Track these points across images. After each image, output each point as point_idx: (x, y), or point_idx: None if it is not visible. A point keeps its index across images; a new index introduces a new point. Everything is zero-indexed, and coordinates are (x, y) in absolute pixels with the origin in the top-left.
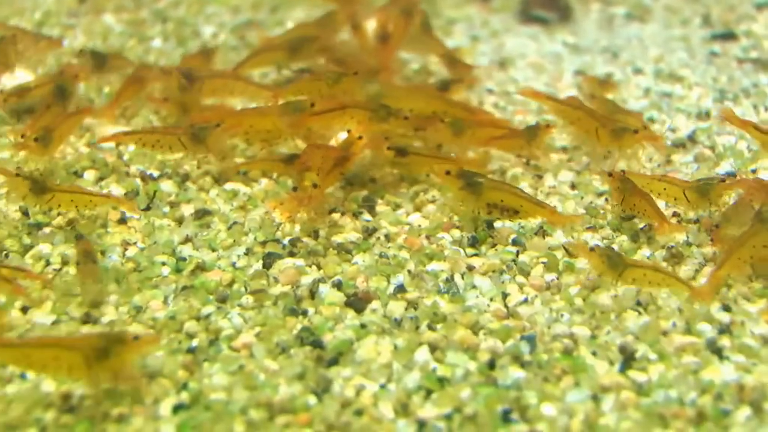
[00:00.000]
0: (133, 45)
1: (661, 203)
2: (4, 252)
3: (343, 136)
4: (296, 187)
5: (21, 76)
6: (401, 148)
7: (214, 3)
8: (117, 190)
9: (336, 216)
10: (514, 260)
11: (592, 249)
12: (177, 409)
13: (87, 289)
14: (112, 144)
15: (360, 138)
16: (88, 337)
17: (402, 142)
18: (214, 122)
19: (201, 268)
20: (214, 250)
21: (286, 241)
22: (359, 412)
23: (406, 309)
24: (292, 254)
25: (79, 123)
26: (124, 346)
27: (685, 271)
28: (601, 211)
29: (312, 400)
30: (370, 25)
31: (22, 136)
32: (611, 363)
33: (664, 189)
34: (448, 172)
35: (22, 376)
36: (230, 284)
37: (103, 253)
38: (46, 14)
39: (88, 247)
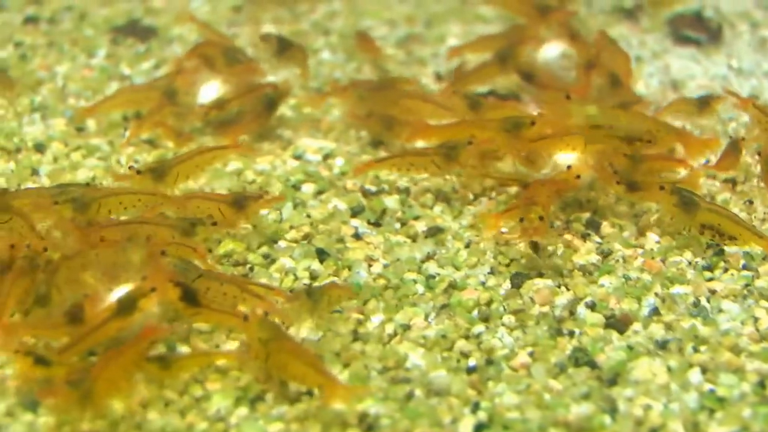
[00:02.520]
0: None
1: None
2: (249, 265)
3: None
4: (522, 218)
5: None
6: (633, 183)
7: (369, 16)
8: (341, 204)
9: (568, 237)
10: (748, 285)
11: None
12: (478, 428)
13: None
14: (318, 157)
15: (578, 177)
16: None
17: (631, 174)
18: (465, 140)
19: (452, 286)
20: (458, 269)
21: (526, 260)
22: (654, 431)
23: (666, 331)
24: (540, 275)
25: (216, 162)
26: None
27: None
28: None
29: (607, 419)
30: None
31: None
32: None
33: None
34: (662, 188)
35: (308, 393)
36: (488, 303)
37: (349, 268)
38: (202, 22)
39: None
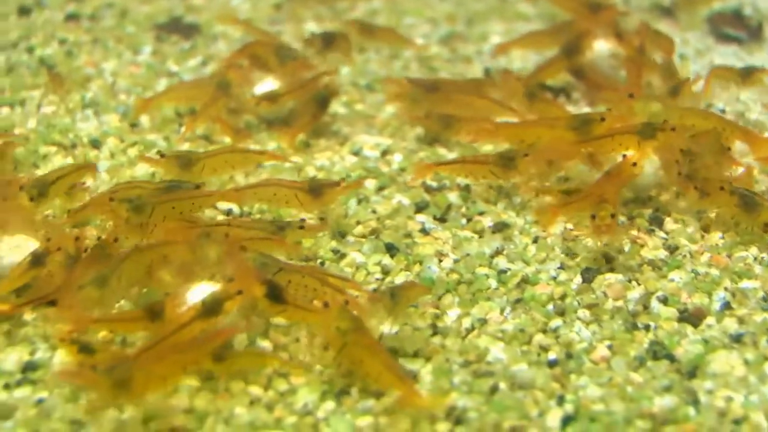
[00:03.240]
0: None
1: None
2: (320, 260)
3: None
4: (594, 215)
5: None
6: (703, 190)
7: (411, 14)
8: (405, 200)
9: (634, 232)
10: None
11: None
12: (566, 421)
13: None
14: (376, 153)
15: (634, 164)
16: None
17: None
18: (522, 151)
19: (525, 281)
20: (528, 264)
21: (597, 256)
22: (737, 422)
23: (739, 325)
24: (611, 270)
25: (249, 163)
26: None
27: None
28: None
29: (691, 411)
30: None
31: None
32: None
33: None
34: (722, 188)
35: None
36: (562, 298)
37: (420, 263)
38: (247, 21)
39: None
